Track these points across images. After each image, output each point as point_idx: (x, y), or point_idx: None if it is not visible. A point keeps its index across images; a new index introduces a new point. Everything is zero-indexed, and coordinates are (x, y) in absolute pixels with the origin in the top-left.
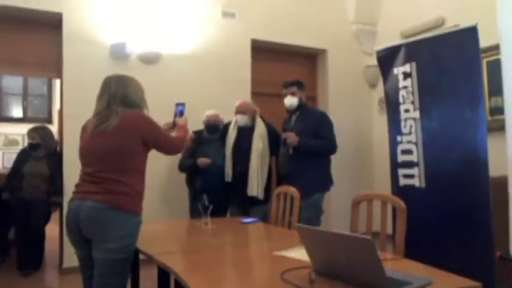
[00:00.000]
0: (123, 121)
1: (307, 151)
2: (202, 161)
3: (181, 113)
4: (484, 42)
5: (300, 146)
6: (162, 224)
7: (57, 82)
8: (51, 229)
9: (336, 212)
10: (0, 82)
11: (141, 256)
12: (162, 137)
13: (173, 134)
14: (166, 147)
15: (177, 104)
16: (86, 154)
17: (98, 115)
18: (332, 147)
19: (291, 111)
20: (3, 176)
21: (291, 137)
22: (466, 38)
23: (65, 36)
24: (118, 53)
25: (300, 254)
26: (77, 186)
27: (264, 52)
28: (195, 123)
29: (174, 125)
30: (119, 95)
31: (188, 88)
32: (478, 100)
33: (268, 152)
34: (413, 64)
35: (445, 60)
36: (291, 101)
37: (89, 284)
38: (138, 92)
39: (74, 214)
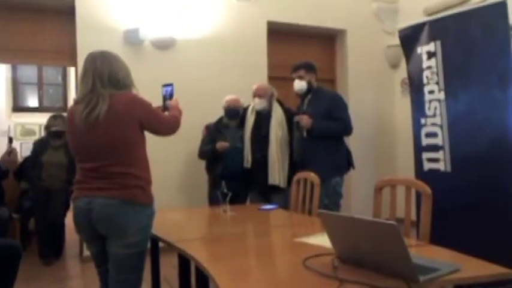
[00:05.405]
0: (115, 108)
1: (321, 134)
2: (221, 144)
3: (171, 95)
4: None
5: (314, 129)
6: (181, 212)
7: (72, 70)
8: (71, 218)
9: (357, 197)
10: (15, 72)
11: (160, 244)
12: (158, 118)
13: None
14: (162, 128)
15: (164, 86)
16: (84, 149)
17: (83, 101)
18: (347, 129)
19: (302, 96)
20: None
21: (304, 120)
22: (494, 14)
23: (78, 24)
24: (131, 39)
25: (321, 240)
26: (80, 182)
27: (280, 34)
28: (211, 110)
29: (164, 108)
30: (106, 74)
31: (203, 74)
32: (508, 80)
33: (288, 138)
34: (438, 43)
35: (471, 38)
36: (299, 85)
37: (105, 278)
38: (125, 69)
39: (84, 212)
